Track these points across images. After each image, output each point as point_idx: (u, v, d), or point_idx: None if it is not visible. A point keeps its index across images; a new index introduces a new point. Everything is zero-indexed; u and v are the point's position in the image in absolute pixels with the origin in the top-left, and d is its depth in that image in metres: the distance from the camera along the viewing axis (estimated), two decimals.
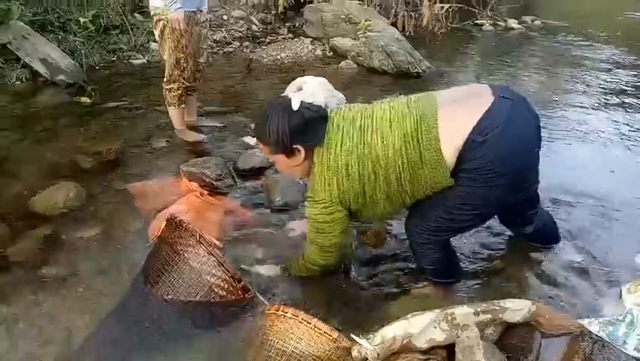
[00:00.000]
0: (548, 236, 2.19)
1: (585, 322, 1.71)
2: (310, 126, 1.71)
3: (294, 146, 1.71)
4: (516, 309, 1.62)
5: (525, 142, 1.67)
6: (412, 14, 6.71)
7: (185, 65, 3.04)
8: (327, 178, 1.72)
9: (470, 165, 1.61)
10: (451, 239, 1.95)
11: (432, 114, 1.64)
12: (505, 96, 1.64)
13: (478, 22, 7.44)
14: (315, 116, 1.72)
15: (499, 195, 1.69)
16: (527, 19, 7.74)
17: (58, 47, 4.53)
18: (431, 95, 1.74)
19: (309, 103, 1.78)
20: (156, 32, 3.02)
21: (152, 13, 2.97)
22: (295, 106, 1.70)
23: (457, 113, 1.64)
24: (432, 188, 1.71)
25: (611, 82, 4.76)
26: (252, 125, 1.87)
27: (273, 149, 1.75)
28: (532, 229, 2.08)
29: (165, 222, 1.93)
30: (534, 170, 1.79)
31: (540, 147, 1.73)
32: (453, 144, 1.61)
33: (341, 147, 1.69)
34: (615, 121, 3.75)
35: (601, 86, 4.64)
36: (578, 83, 4.73)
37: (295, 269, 2.02)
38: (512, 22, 7.48)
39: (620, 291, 1.84)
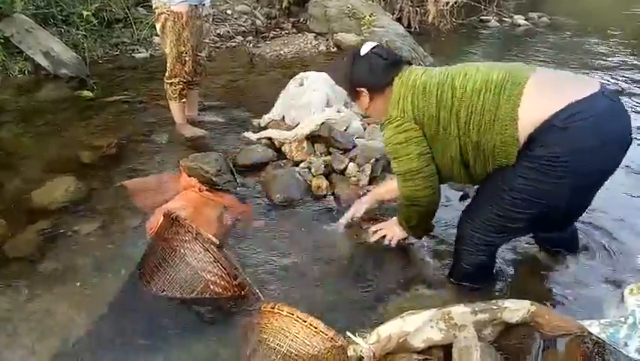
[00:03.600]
0: (572, 242, 2.11)
1: (586, 323, 1.67)
2: (377, 71, 1.77)
3: (358, 89, 1.81)
4: (515, 309, 1.59)
5: (611, 147, 1.53)
6: (417, 10, 6.65)
7: (186, 59, 3.02)
8: (402, 95, 1.72)
9: (540, 151, 1.51)
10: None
11: (523, 76, 1.57)
12: (606, 95, 1.52)
13: (484, 18, 7.36)
14: (381, 63, 1.77)
15: (561, 196, 1.58)
16: (534, 15, 7.65)
17: (61, 40, 4.53)
18: (531, 66, 1.68)
19: (383, 48, 1.85)
20: (158, 26, 3.00)
21: (154, 6, 2.96)
22: (363, 52, 1.78)
23: (549, 86, 1.55)
24: (495, 149, 1.61)
25: (618, 79, 4.70)
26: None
27: (348, 93, 1.93)
28: (562, 235, 2.02)
29: (162, 218, 1.92)
30: (603, 182, 1.64)
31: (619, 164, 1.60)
32: (531, 115, 1.52)
33: (422, 73, 1.74)
34: None
35: (608, 83, 4.58)
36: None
37: (398, 215, 1.99)
38: (519, 19, 7.40)
39: (622, 292, 1.81)
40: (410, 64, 1.88)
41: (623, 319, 1.67)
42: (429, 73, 1.74)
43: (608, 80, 4.66)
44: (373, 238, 2.13)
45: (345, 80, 1.85)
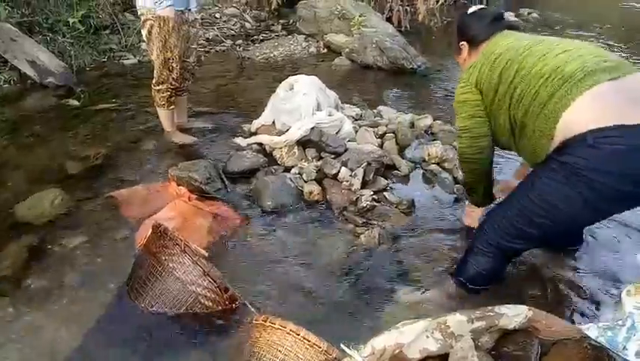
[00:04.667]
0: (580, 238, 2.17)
1: (584, 327, 1.65)
2: (475, 28, 1.96)
3: (460, 42, 2.04)
4: (512, 315, 1.56)
5: (633, 181, 1.46)
6: (408, 9, 6.63)
7: (174, 65, 2.97)
8: (477, 62, 1.88)
9: (567, 158, 1.52)
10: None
11: (596, 79, 1.51)
12: None
13: None
14: (481, 21, 1.95)
15: (576, 208, 1.56)
16: (524, 11, 7.65)
17: (47, 48, 4.46)
18: (620, 67, 1.56)
19: (487, 10, 2.04)
20: (144, 32, 2.95)
21: (139, 12, 2.91)
22: (470, 10, 2.04)
23: (610, 101, 1.49)
24: (533, 136, 1.65)
25: None
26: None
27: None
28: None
29: (150, 230, 1.88)
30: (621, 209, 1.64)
31: None
32: (573, 123, 1.51)
33: (507, 44, 1.81)
34: None
35: None
36: None
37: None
38: (509, 15, 7.39)
39: (620, 294, 1.78)
40: (513, 28, 1.99)
41: (621, 322, 1.64)
42: (514, 44, 1.79)
43: None
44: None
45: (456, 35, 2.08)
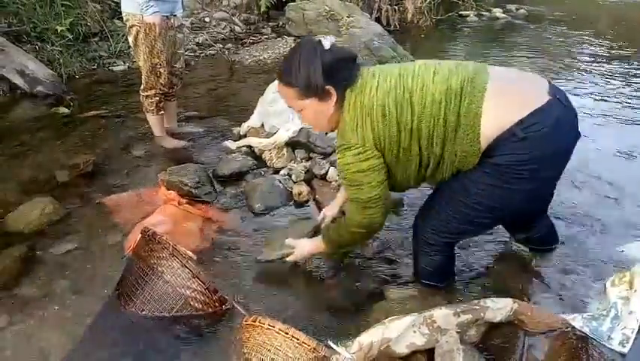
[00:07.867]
0: (551, 238, 2.12)
1: (569, 318, 1.67)
2: (342, 67, 1.59)
3: (326, 87, 1.56)
4: (497, 308, 1.58)
5: (563, 152, 1.60)
6: (396, 8, 6.66)
7: (161, 70, 2.99)
8: (359, 120, 1.57)
9: (500, 159, 1.52)
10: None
11: (481, 81, 1.53)
12: (559, 99, 1.55)
13: (462, 13, 7.40)
14: (346, 57, 1.62)
15: (521, 201, 1.61)
16: (512, 7, 7.72)
17: (36, 57, 4.46)
18: (483, 66, 1.63)
19: (339, 45, 1.64)
20: (130, 38, 2.97)
21: (124, 18, 2.93)
22: (327, 45, 1.57)
23: (508, 93, 1.54)
24: (457, 158, 1.58)
25: (596, 70, 4.73)
26: (280, 68, 1.64)
27: (303, 92, 1.58)
28: (536, 233, 2.04)
29: (139, 235, 1.89)
30: (557, 180, 1.72)
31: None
32: (493, 125, 1.50)
33: (377, 89, 1.57)
34: (603, 110, 3.72)
35: (587, 74, 4.62)
36: (563, 72, 4.70)
37: (334, 236, 1.83)
38: (497, 12, 7.46)
39: (605, 284, 1.81)
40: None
41: (605, 312, 1.67)
42: (383, 86, 1.58)
43: (585, 70, 4.70)
44: (284, 254, 1.99)
45: (312, 76, 1.54)
